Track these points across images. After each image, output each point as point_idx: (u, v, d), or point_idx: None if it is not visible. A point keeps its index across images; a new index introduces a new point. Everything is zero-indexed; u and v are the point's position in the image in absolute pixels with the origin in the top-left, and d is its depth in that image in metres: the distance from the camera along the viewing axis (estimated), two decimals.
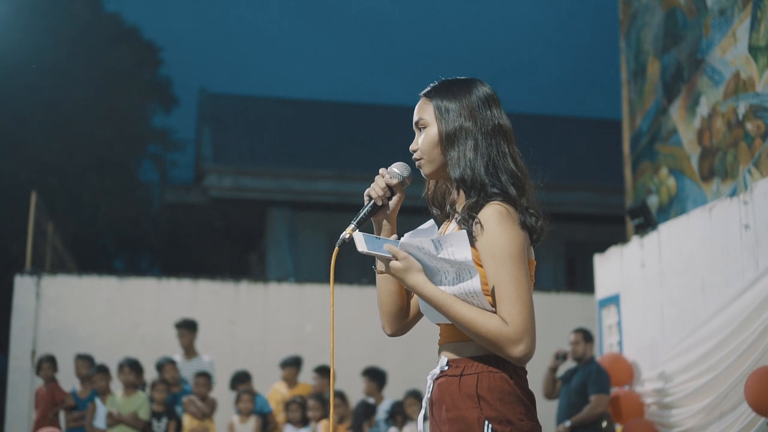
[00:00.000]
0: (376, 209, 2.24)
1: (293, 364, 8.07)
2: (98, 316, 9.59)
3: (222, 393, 8.24)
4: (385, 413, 7.37)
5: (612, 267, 7.71)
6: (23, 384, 9.09)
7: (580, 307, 9.78)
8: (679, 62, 7.76)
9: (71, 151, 17.31)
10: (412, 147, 2.26)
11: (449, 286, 2.06)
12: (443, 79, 2.28)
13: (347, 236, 2.16)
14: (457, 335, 2.13)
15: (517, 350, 1.99)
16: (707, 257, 6.23)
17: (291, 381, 8.03)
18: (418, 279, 2.07)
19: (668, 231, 6.83)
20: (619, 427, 6.72)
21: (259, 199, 16.12)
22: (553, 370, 6.91)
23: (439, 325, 2.22)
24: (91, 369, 7.40)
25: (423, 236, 2.10)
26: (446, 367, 2.14)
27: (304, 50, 53.53)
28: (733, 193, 6.44)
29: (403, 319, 2.34)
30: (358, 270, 11.15)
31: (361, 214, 2.21)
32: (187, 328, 8.09)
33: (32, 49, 16.20)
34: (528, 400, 2.09)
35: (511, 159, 2.17)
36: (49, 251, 10.90)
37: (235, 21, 52.79)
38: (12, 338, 9.31)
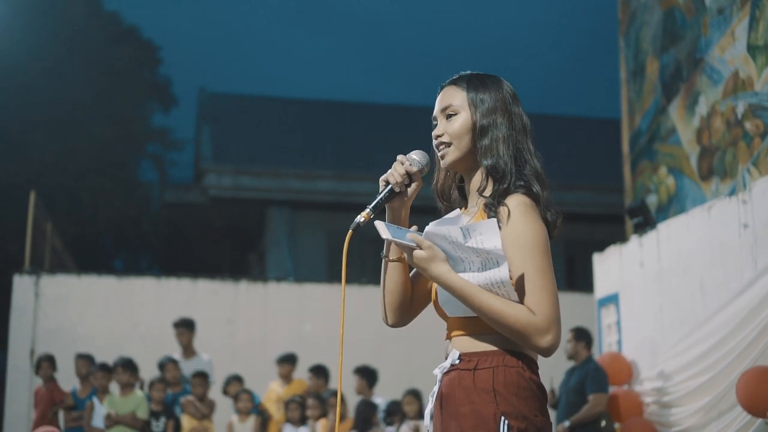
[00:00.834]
0: (392, 195, 2.21)
1: (288, 361, 8.09)
2: (97, 316, 9.59)
3: (219, 393, 8.24)
4: (383, 413, 7.38)
5: (611, 266, 7.71)
6: (22, 384, 9.09)
7: (579, 307, 9.77)
8: (678, 61, 7.76)
9: (70, 150, 17.30)
10: (436, 132, 2.24)
11: (474, 277, 2.02)
12: (469, 72, 2.29)
13: (362, 220, 2.12)
14: (469, 329, 2.11)
15: (545, 340, 1.98)
16: (706, 256, 6.23)
17: (286, 378, 8.05)
18: (442, 269, 2.03)
19: (667, 230, 6.83)
20: (618, 426, 6.72)
21: (259, 199, 16.12)
22: (553, 406, 6.82)
23: (446, 320, 2.19)
24: (91, 368, 7.41)
25: (449, 225, 2.06)
26: (458, 361, 2.11)
27: (303, 50, 53.53)
28: (732, 193, 6.44)
29: (406, 311, 2.31)
30: (358, 269, 11.17)
31: (378, 199, 2.17)
32: (186, 327, 8.09)
33: (31, 49, 16.20)
34: (542, 395, 2.07)
35: (535, 156, 2.20)
36: (48, 251, 10.90)
37: (234, 20, 52.78)
38: (11, 338, 9.31)
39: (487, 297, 2.00)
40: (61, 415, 7.56)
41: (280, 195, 15.95)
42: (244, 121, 17.87)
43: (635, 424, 6.52)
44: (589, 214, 15.34)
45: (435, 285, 2.21)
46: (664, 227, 6.90)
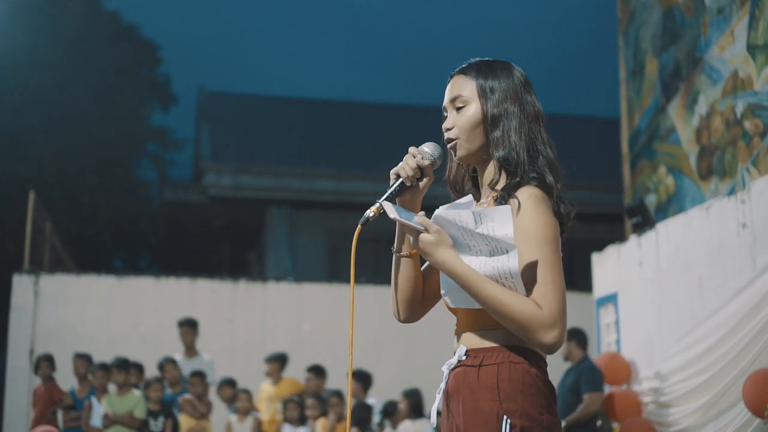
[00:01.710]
0: (403, 189, 2.14)
1: (277, 360, 8.08)
2: (97, 315, 9.59)
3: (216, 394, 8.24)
4: (379, 413, 7.39)
5: (610, 266, 7.71)
6: (21, 383, 9.09)
7: (577, 306, 9.73)
8: (678, 61, 7.76)
9: (70, 149, 17.30)
10: (446, 125, 2.17)
11: (482, 266, 1.94)
12: (478, 59, 2.22)
13: (372, 214, 2.04)
14: (477, 323, 2.05)
15: (549, 336, 1.90)
16: (705, 256, 6.23)
17: (275, 377, 8.04)
18: (448, 255, 1.96)
19: (666, 230, 6.83)
20: (616, 426, 6.71)
21: (258, 198, 16.12)
22: None
23: (455, 314, 2.13)
24: (90, 367, 7.41)
25: (461, 209, 1.97)
26: (464, 357, 2.05)
27: (303, 49, 53.51)
28: (731, 192, 6.43)
29: (418, 306, 2.25)
30: (357, 268, 11.13)
31: (388, 193, 2.11)
32: (190, 326, 8.10)
33: (30, 48, 16.19)
34: (549, 394, 2.01)
35: (549, 145, 2.14)
36: (48, 250, 10.89)
37: (234, 19, 52.75)
38: (10, 337, 9.31)
39: (493, 287, 1.92)
40: (59, 414, 7.55)
41: (280, 194, 15.95)
42: (244, 121, 17.87)
43: (634, 423, 6.51)
44: (588, 214, 15.32)
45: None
46: (663, 227, 6.90)
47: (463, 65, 2.22)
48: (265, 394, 8.00)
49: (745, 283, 5.55)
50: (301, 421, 7.41)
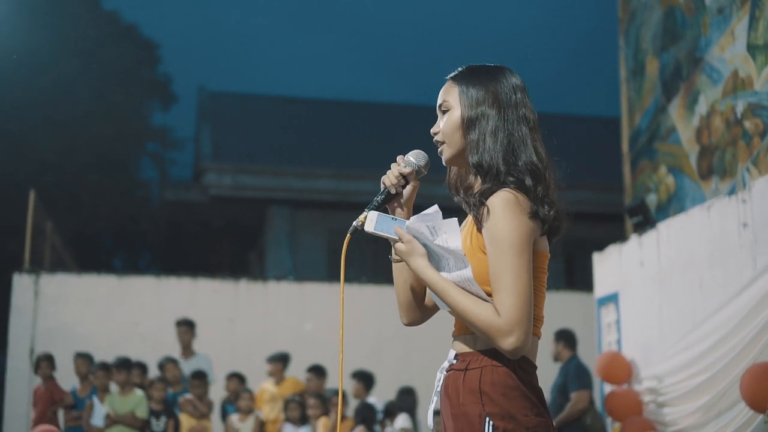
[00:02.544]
0: (390, 197, 2.22)
1: (279, 360, 8.10)
2: (97, 315, 9.59)
3: (220, 392, 8.24)
4: (380, 413, 7.40)
5: (611, 265, 7.71)
6: (21, 383, 9.09)
7: (578, 306, 9.78)
8: (678, 61, 7.76)
9: (70, 149, 17.30)
10: (433, 130, 2.23)
11: (449, 273, 2.03)
12: (471, 64, 2.25)
13: (359, 223, 2.13)
14: (465, 328, 2.10)
15: (507, 342, 1.94)
16: (706, 256, 6.23)
17: (277, 376, 8.05)
18: (420, 263, 2.05)
19: (667, 229, 6.83)
20: (617, 426, 6.71)
21: (259, 198, 16.11)
22: None
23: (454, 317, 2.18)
24: (92, 367, 7.41)
25: (425, 221, 2.06)
26: (454, 361, 2.11)
27: (303, 48, 53.51)
28: (732, 192, 6.43)
29: (418, 309, 2.30)
30: (357, 268, 11.16)
31: (374, 202, 2.19)
32: (188, 326, 8.13)
33: (30, 48, 16.19)
34: (534, 396, 2.03)
35: (533, 149, 2.13)
36: (48, 250, 10.90)
37: (234, 19, 52.76)
38: (10, 337, 9.31)
39: (457, 293, 2.00)
40: (60, 414, 7.56)
41: (280, 194, 15.94)
42: (244, 120, 17.86)
43: (634, 423, 6.51)
44: (588, 214, 15.33)
45: None
46: (663, 226, 6.90)
47: (454, 71, 2.26)
48: (268, 393, 8.01)
49: (746, 282, 5.55)
50: (303, 420, 7.42)
